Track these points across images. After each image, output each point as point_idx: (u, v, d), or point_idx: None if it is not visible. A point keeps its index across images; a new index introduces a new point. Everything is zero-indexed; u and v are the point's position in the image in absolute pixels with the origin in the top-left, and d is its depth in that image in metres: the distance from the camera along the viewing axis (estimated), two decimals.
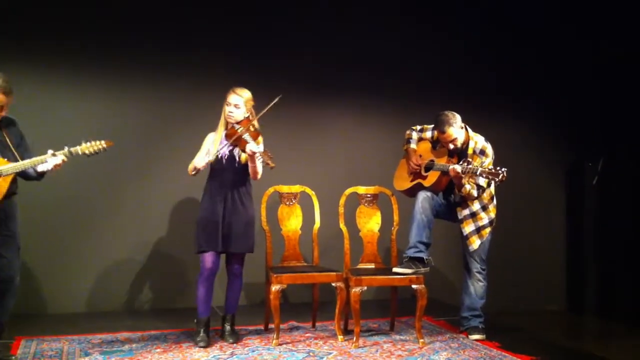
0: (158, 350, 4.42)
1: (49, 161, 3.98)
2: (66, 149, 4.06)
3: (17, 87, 4.08)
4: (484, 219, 4.84)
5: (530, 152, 6.60)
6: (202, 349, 4.45)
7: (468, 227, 4.84)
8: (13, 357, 4.21)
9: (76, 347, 4.46)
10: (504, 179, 4.36)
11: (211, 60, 5.93)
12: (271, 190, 5.04)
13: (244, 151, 4.51)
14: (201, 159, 4.59)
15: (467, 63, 6.49)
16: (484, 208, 4.84)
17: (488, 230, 4.85)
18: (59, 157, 4.01)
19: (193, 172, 4.61)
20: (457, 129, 4.69)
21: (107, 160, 5.59)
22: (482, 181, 4.68)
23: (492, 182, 4.62)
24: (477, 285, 4.86)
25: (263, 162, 4.34)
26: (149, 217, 5.83)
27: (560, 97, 6.61)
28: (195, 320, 4.61)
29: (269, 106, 4.43)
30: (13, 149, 4.04)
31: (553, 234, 6.68)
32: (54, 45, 5.55)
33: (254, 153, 4.38)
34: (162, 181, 5.79)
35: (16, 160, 4.02)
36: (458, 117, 4.71)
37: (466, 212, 4.83)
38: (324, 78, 6.21)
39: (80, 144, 4.07)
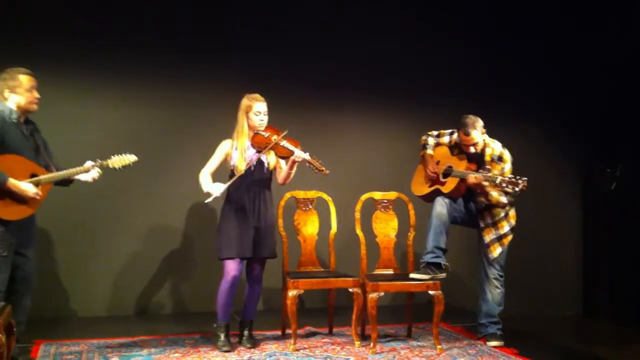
0: (176, 354, 4.44)
1: (90, 172, 4.20)
2: (99, 161, 4.19)
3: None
4: (505, 226, 4.83)
5: (546, 157, 6.57)
6: (224, 353, 4.47)
7: (489, 236, 4.84)
8: None
9: (95, 351, 4.50)
10: (524, 188, 4.35)
11: (226, 66, 5.95)
12: (288, 195, 5.06)
13: (283, 158, 4.53)
14: (216, 187, 4.43)
15: (482, 68, 6.48)
16: (505, 215, 4.83)
17: (509, 238, 4.85)
18: (96, 170, 4.20)
19: (208, 200, 4.42)
20: (479, 134, 4.70)
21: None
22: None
23: (513, 190, 4.59)
24: (494, 292, 4.85)
25: (314, 168, 4.35)
26: (167, 221, 5.87)
27: (577, 102, 6.57)
28: (215, 325, 4.64)
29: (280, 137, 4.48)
30: (45, 156, 4.13)
31: (570, 239, 6.65)
32: (66, 51, 5.59)
33: (304, 160, 4.40)
34: (179, 185, 5.81)
35: (47, 165, 4.11)
36: (481, 122, 4.72)
37: (488, 219, 4.82)
38: (339, 83, 6.22)
39: (110, 158, 4.23)
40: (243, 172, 4.55)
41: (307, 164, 4.45)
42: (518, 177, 4.38)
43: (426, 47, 6.41)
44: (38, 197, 3.98)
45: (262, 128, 4.61)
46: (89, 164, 4.19)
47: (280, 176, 4.69)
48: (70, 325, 5.32)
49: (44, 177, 4.02)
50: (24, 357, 4.28)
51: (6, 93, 4.03)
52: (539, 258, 6.46)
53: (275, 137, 4.51)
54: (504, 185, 4.44)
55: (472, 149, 4.74)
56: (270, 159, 4.68)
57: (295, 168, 4.58)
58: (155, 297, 5.86)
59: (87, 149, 5.39)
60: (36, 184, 3.97)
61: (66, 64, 5.59)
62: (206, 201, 4.43)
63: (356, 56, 6.27)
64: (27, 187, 3.93)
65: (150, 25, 5.82)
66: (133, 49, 5.76)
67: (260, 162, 4.64)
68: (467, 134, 4.69)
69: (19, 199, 3.94)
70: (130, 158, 4.26)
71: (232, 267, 4.53)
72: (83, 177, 4.23)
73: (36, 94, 4.11)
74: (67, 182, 4.25)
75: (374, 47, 6.31)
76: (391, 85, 6.32)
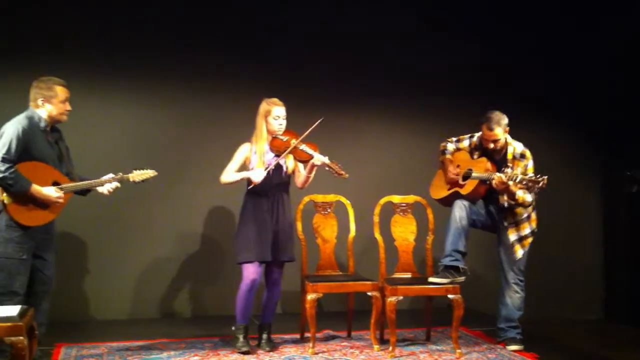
0: (196, 357, 4.47)
1: (106, 185, 4.22)
2: (120, 174, 4.25)
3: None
4: (527, 228, 4.81)
5: (567, 160, 6.53)
6: (243, 354, 4.50)
7: (512, 235, 4.82)
8: None
9: (115, 354, 4.54)
10: (543, 186, 4.35)
11: (244, 70, 5.97)
12: (306, 199, 5.07)
13: (302, 162, 4.55)
14: (257, 173, 4.52)
15: (501, 70, 6.45)
16: (528, 217, 4.82)
17: (530, 240, 4.83)
18: (114, 184, 4.24)
19: (250, 187, 4.59)
20: (502, 131, 4.69)
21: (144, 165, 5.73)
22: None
23: (535, 188, 4.55)
24: (514, 297, 4.82)
25: (333, 172, 4.36)
26: (186, 225, 5.90)
27: (597, 103, 6.53)
28: (233, 327, 4.66)
29: (311, 127, 4.49)
30: (67, 165, 4.19)
31: (590, 242, 6.60)
32: (90, 54, 5.65)
33: (324, 164, 4.41)
34: (198, 189, 5.85)
35: (68, 173, 4.17)
36: (506, 120, 4.71)
37: (511, 219, 4.80)
38: (356, 86, 6.23)
39: (131, 172, 4.31)
40: (264, 176, 4.56)
41: (326, 168, 4.46)
42: (538, 175, 4.37)
43: (445, 50, 6.40)
44: (60, 202, 4.02)
45: (281, 132, 4.63)
46: (109, 176, 4.24)
47: (299, 180, 4.71)
48: (91, 328, 5.38)
49: (66, 185, 4.07)
50: (46, 359, 4.32)
51: (40, 101, 4.07)
52: (559, 261, 6.42)
53: (294, 140, 4.52)
54: (524, 182, 4.43)
55: (491, 145, 4.73)
56: (288, 162, 4.70)
57: (314, 172, 4.60)
58: (175, 301, 5.90)
59: (107, 153, 5.49)
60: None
61: (87, 68, 5.65)
62: (249, 187, 4.58)
63: (375, 60, 6.27)
64: (49, 192, 3.99)
65: (171, 28, 5.87)
66: (155, 52, 5.81)
67: (278, 166, 4.66)
68: (491, 129, 4.67)
69: (41, 204, 3.99)
70: (150, 173, 4.36)
71: (251, 271, 4.54)
72: (100, 188, 4.25)
73: (68, 106, 4.16)
74: (85, 191, 4.29)
75: (393, 50, 6.31)
76: (410, 90, 6.31)
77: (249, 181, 4.63)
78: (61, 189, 4.04)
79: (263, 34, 6.05)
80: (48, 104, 4.08)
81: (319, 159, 4.44)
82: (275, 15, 6.10)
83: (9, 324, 3.34)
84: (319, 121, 4.49)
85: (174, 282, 5.89)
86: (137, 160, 5.61)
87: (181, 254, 5.91)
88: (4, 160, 3.87)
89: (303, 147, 4.51)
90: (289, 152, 4.53)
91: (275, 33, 6.08)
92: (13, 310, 3.48)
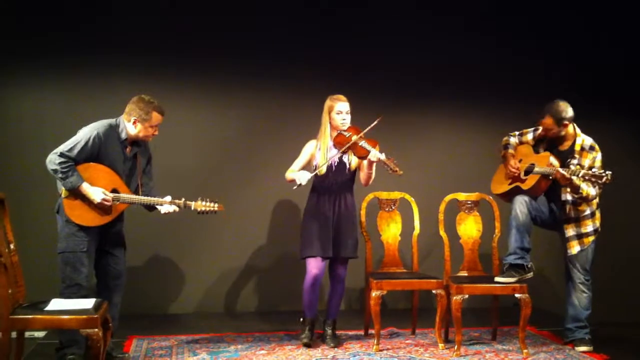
0: (262, 351, 4.54)
1: (164, 207, 4.23)
2: (183, 200, 4.28)
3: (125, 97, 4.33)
4: (589, 226, 4.70)
5: (633, 156, 6.33)
6: (305, 347, 4.58)
7: (569, 231, 4.72)
8: (126, 355, 4.44)
9: (184, 347, 4.66)
10: (607, 181, 4.24)
11: (310, 70, 6.01)
12: (370, 196, 5.07)
13: (361, 158, 4.57)
14: (303, 175, 4.56)
15: (563, 64, 6.33)
16: (592, 215, 4.70)
17: (591, 239, 4.71)
18: (173, 207, 4.24)
19: (295, 187, 4.62)
20: (557, 122, 4.61)
21: (213, 167, 5.86)
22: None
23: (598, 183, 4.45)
24: (581, 297, 4.72)
25: (389, 169, 4.38)
26: (253, 222, 5.98)
27: None
28: (301, 320, 4.74)
29: (370, 126, 4.50)
30: (139, 177, 4.28)
31: None
32: (157, 57, 5.78)
33: (380, 160, 4.43)
34: (265, 186, 5.92)
35: (140, 186, 4.26)
36: (567, 112, 4.61)
37: (572, 214, 4.70)
38: (421, 83, 6.19)
39: (196, 200, 4.30)
40: (324, 172, 4.64)
41: (382, 164, 4.46)
42: (602, 170, 4.27)
43: (508, 48, 6.31)
44: (106, 204, 4.07)
45: (345, 127, 4.66)
46: (167, 198, 4.24)
47: (362, 176, 4.73)
48: (161, 321, 5.51)
49: (122, 195, 4.14)
50: (118, 351, 4.46)
51: (132, 118, 4.17)
52: (630, 261, 6.23)
53: (355, 136, 4.54)
54: (588, 178, 4.33)
55: (542, 131, 4.70)
56: (352, 159, 4.72)
57: (374, 168, 4.61)
58: (242, 296, 5.99)
59: (171, 154, 5.59)
60: (113, 199, 4.11)
61: (154, 70, 5.79)
62: (293, 187, 4.58)
63: (440, 58, 6.21)
64: (95, 192, 4.05)
65: (235, 30, 5.95)
66: (219, 56, 5.91)
67: (341, 163, 4.69)
68: (543, 117, 4.64)
69: (93, 206, 4.08)
70: (214, 207, 4.33)
71: (312, 266, 4.62)
72: (161, 210, 4.26)
73: (156, 132, 4.24)
74: (150, 207, 4.32)
75: (453, 47, 6.24)
76: (474, 87, 6.24)
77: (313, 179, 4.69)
78: (117, 197, 4.12)
79: (328, 34, 6.06)
80: (139, 124, 4.16)
81: (374, 155, 4.44)
82: (336, 21, 6.10)
83: (84, 316, 3.46)
84: (377, 119, 4.49)
85: (240, 278, 5.98)
86: (209, 159, 5.80)
87: (247, 249, 6.00)
88: (62, 155, 4.01)
89: (362, 143, 4.52)
90: (349, 148, 4.56)
91: (340, 33, 6.08)
92: (88, 303, 3.61)
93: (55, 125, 5.36)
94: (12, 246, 3.60)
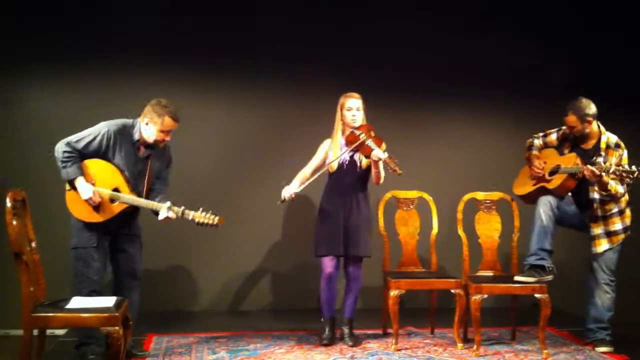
0: (281, 350, 4.55)
1: (161, 212, 4.15)
2: (182, 208, 4.17)
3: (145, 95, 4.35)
4: (617, 224, 4.65)
5: None
6: (324, 348, 4.59)
7: (596, 229, 4.67)
8: (146, 353, 4.47)
9: (204, 345, 4.67)
10: (639, 176, 4.21)
11: (325, 68, 5.99)
12: (388, 195, 5.06)
13: (367, 157, 4.56)
14: (285, 189, 4.60)
15: (586, 61, 6.28)
16: (621, 212, 4.65)
17: (621, 237, 4.66)
18: (171, 213, 4.14)
19: (278, 203, 4.63)
20: (580, 118, 4.57)
21: (230, 164, 5.87)
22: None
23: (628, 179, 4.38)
24: (604, 297, 4.68)
25: (389, 168, 4.37)
26: (271, 220, 5.96)
27: None
28: (322, 319, 4.76)
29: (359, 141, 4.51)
30: (146, 182, 4.27)
31: None
32: (157, 57, 5.76)
33: (380, 160, 4.43)
34: (279, 185, 5.91)
35: (141, 191, 4.23)
36: (590, 109, 4.57)
37: (599, 212, 4.65)
38: (438, 81, 6.16)
39: (196, 210, 4.16)
40: (335, 168, 4.68)
41: (383, 164, 4.45)
42: (632, 166, 4.24)
43: (530, 46, 6.26)
44: (91, 203, 4.07)
45: (356, 125, 4.67)
46: (166, 204, 4.13)
47: (372, 175, 4.72)
48: (181, 319, 5.53)
49: (122, 195, 4.14)
50: (137, 349, 4.49)
51: (146, 120, 4.19)
52: None
53: (363, 135, 4.54)
54: (618, 173, 4.29)
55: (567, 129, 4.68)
56: (362, 158, 4.72)
57: (380, 167, 4.61)
58: (261, 295, 6.00)
59: (187, 151, 5.59)
60: (112, 198, 4.12)
61: (154, 70, 5.78)
62: (277, 203, 4.61)
63: (453, 55, 6.18)
64: (84, 188, 4.05)
65: (235, 30, 5.93)
66: (219, 56, 5.88)
67: (352, 161, 4.70)
68: (566, 114, 4.61)
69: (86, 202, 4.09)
70: (215, 220, 4.14)
71: (327, 264, 4.66)
72: (159, 215, 4.15)
73: (167, 137, 4.24)
74: (155, 212, 4.21)
75: (471, 44, 6.20)
76: (494, 85, 6.19)
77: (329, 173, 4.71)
78: (117, 196, 4.11)
79: (344, 33, 6.03)
80: (152, 126, 4.18)
81: (376, 154, 4.43)
82: (351, 19, 6.07)
83: (105, 314, 3.49)
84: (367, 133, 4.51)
85: (259, 277, 5.99)
86: (216, 159, 5.81)
87: (265, 248, 6.00)
88: (69, 144, 4.06)
89: (369, 141, 4.51)
90: (356, 147, 4.56)
91: (357, 32, 6.05)
92: (109, 301, 3.63)
93: (62, 125, 5.28)
94: (33, 244, 3.65)
